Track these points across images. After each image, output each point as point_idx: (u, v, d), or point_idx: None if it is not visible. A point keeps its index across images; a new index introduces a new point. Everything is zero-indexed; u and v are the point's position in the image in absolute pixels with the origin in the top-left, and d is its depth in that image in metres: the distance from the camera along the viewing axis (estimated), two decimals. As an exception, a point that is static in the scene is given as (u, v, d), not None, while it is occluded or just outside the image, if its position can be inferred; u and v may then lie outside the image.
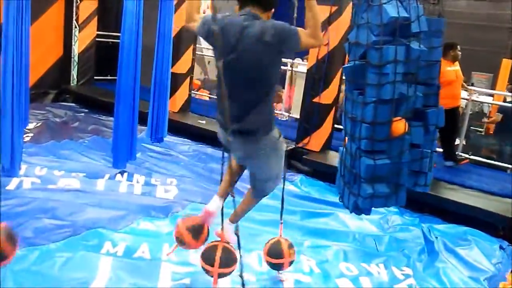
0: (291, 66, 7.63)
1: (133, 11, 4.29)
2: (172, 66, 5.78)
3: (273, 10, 2.57)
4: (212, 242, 2.81)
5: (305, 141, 5.62)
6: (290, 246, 3.03)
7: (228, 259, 2.73)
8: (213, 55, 2.60)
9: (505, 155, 6.67)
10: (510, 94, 7.13)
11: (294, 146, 5.69)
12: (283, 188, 3.12)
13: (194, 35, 6.69)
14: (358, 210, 2.88)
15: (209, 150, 5.75)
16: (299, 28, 2.42)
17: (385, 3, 2.55)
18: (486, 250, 3.80)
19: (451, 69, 5.15)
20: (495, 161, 5.98)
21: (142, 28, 4.44)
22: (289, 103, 7.98)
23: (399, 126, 2.63)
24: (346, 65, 2.83)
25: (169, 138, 5.78)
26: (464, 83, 5.93)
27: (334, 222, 4.09)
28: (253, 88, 2.47)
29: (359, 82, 2.70)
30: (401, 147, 2.68)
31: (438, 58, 2.92)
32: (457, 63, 5.26)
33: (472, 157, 5.90)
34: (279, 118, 7.46)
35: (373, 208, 4.04)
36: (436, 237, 3.93)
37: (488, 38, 13.40)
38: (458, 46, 5.24)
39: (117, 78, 4.42)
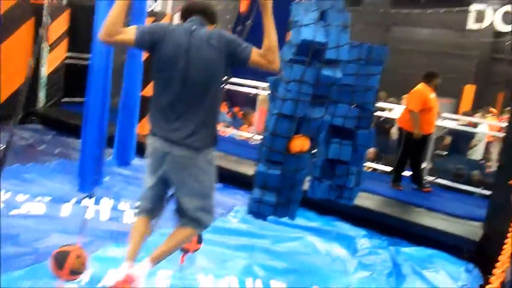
0: (263, 89, 7.72)
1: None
2: (142, 89, 5.78)
3: (214, 25, 2.53)
4: None
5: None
6: None
7: None
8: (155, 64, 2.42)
9: (465, 177, 6.88)
10: (468, 118, 7.38)
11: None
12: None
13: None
14: (253, 213, 2.97)
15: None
16: (252, 46, 2.37)
17: (305, 25, 2.64)
18: (452, 273, 3.87)
19: (433, 97, 5.34)
20: (458, 183, 6.15)
21: (112, 50, 4.42)
22: (261, 127, 8.04)
23: (297, 143, 2.72)
24: (270, 77, 2.92)
25: (139, 161, 5.70)
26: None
27: (305, 245, 4.09)
28: (203, 96, 2.37)
29: (275, 95, 2.81)
30: (297, 164, 2.77)
31: (375, 84, 3.07)
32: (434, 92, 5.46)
33: (437, 180, 6.06)
34: (250, 142, 7.49)
35: (340, 232, 4.14)
36: (404, 260, 3.98)
37: (452, 65, 13.93)
38: (437, 77, 5.45)
39: (85, 100, 4.37)
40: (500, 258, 2.43)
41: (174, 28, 2.40)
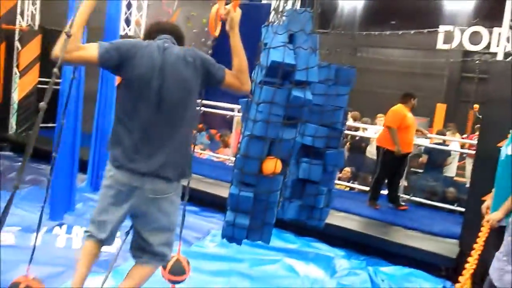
0: (238, 111, 7.73)
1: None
2: (116, 113, 5.70)
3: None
4: None
5: (252, 186, 5.61)
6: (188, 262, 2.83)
7: None
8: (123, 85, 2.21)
9: (439, 194, 6.99)
10: (440, 136, 7.51)
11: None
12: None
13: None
14: (227, 237, 2.94)
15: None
16: (225, 68, 2.28)
17: (274, 48, 2.67)
18: (430, 291, 3.88)
19: (410, 116, 5.47)
20: (433, 201, 6.22)
21: (84, 74, 4.37)
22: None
23: (269, 165, 2.71)
24: (242, 99, 2.93)
25: (113, 187, 5.60)
26: (422, 130, 6.28)
27: (283, 268, 4.04)
28: (180, 119, 2.17)
29: (246, 116, 2.81)
30: (270, 186, 2.77)
31: (343, 105, 3.11)
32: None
33: (413, 198, 6.12)
34: (227, 164, 7.44)
35: (318, 253, 4.11)
36: (383, 280, 3.97)
37: (424, 84, 14.30)
38: (415, 97, 5.60)
39: (56, 126, 4.28)
40: (464, 271, 2.44)
41: (146, 45, 2.17)
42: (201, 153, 8.49)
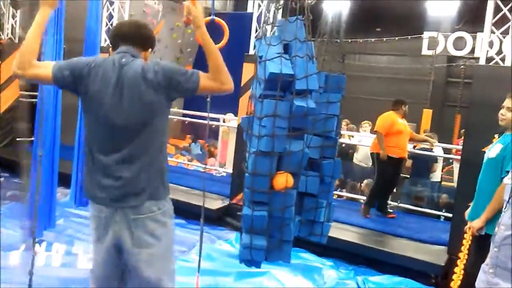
0: (223, 121, 7.67)
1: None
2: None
3: (150, 50, 2.20)
4: None
5: (239, 197, 5.54)
6: None
7: None
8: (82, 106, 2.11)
9: (428, 200, 6.97)
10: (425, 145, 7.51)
11: (228, 202, 5.59)
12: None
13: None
14: (245, 261, 2.85)
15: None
16: (199, 71, 2.08)
17: (269, 60, 2.62)
18: (420, 300, 3.82)
19: (402, 122, 5.51)
20: (420, 207, 6.21)
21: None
22: (224, 159, 7.94)
23: (280, 180, 2.64)
24: (244, 117, 2.87)
25: (96, 201, 5.48)
26: (429, 139, 6.27)
27: (270, 280, 3.96)
28: (134, 140, 2.01)
29: (249, 133, 2.75)
30: (283, 202, 2.69)
31: (336, 112, 3.05)
32: (404, 119, 5.62)
33: (401, 205, 6.09)
34: (214, 174, 7.37)
35: (306, 264, 4.02)
36: (372, 290, 3.91)
37: (410, 90, 14.37)
38: (406, 104, 5.64)
39: (34, 140, 4.18)
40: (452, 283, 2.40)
41: (101, 62, 2.04)
42: (188, 164, 8.41)
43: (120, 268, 2.16)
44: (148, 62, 2.07)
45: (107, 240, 2.08)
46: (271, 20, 2.99)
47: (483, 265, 1.81)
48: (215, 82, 2.06)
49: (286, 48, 2.80)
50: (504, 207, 1.75)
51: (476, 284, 1.81)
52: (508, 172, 1.77)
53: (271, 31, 2.85)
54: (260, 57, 2.74)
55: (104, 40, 6.37)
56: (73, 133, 5.12)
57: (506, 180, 1.78)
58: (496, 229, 1.76)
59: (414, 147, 6.94)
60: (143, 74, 2.00)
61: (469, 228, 3.00)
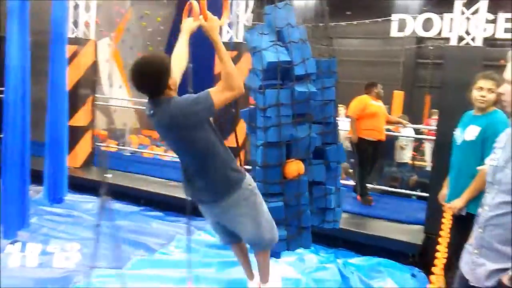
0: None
1: (17, 64, 3.97)
2: (70, 119, 5.47)
3: (169, 82, 2.30)
4: None
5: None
6: None
7: None
8: None
9: (400, 180, 7.09)
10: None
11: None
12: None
13: (93, 86, 6.44)
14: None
15: (117, 205, 5.39)
16: (211, 89, 2.27)
17: (265, 49, 2.58)
18: (399, 279, 3.89)
19: (375, 104, 5.49)
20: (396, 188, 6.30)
21: (29, 81, 4.12)
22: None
23: (292, 168, 2.63)
24: (243, 109, 2.82)
25: (71, 197, 5.36)
26: (401, 120, 6.32)
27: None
28: (194, 159, 2.42)
29: (253, 126, 2.71)
30: (297, 189, 2.68)
31: (332, 97, 3.01)
32: (380, 100, 5.60)
33: (377, 186, 6.17)
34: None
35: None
36: (352, 272, 3.95)
37: (381, 72, 14.50)
38: (380, 85, 5.61)
39: (3, 137, 4.03)
40: (433, 269, 2.44)
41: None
42: (162, 156, 8.30)
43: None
44: (169, 110, 2.27)
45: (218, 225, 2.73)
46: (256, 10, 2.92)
47: (467, 246, 1.84)
48: (228, 91, 2.24)
49: (279, 35, 2.76)
50: (486, 187, 1.77)
51: (460, 265, 1.84)
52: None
53: (252, 20, 2.80)
54: (254, 47, 2.68)
55: (72, 31, 6.16)
56: (43, 129, 4.98)
57: (488, 161, 1.80)
58: (480, 209, 1.78)
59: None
60: (168, 123, 2.30)
61: (450, 208, 3.04)
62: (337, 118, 3.12)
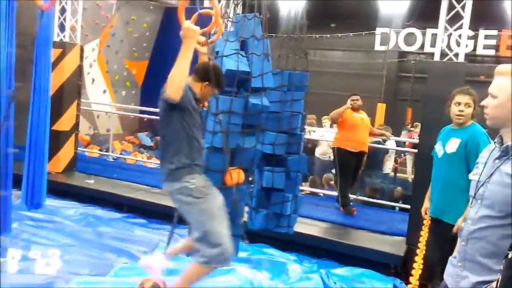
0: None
1: (2, 67, 3.91)
2: (53, 123, 5.41)
3: (207, 83, 2.59)
4: None
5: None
6: None
7: None
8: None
9: (382, 192, 7.18)
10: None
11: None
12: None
13: (77, 90, 6.38)
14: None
15: (99, 211, 5.34)
16: None
17: (226, 56, 2.63)
18: (381, 290, 3.93)
19: (356, 115, 5.51)
20: (376, 198, 6.37)
21: (13, 84, 4.07)
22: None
23: (233, 176, 2.68)
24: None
25: (52, 202, 5.28)
26: (384, 133, 6.38)
27: (236, 278, 3.94)
28: (162, 139, 2.73)
29: (203, 128, 2.75)
30: (234, 197, 2.73)
31: (300, 109, 3.10)
32: (362, 111, 5.63)
33: (360, 197, 6.23)
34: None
35: (271, 259, 4.04)
36: (335, 282, 3.98)
37: (364, 85, 14.72)
38: (358, 96, 5.60)
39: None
40: (410, 279, 2.49)
41: None
42: (146, 162, 8.24)
43: None
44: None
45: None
46: (231, 15, 2.98)
47: (451, 258, 1.88)
48: (166, 90, 2.45)
49: (243, 45, 2.80)
50: (470, 202, 1.82)
51: (445, 276, 1.88)
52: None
53: (227, 27, 2.85)
54: (217, 52, 2.72)
55: (57, 35, 6.11)
56: (24, 133, 4.91)
57: (471, 176, 1.85)
58: (463, 224, 1.83)
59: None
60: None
61: (457, 228, 2.86)
62: (306, 129, 3.23)
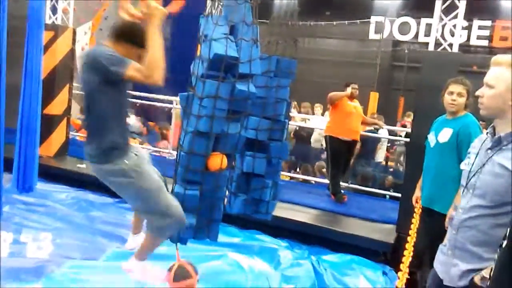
0: (176, 104, 7.52)
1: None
2: (45, 107, 5.36)
3: (131, 44, 2.48)
4: None
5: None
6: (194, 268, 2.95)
7: None
8: None
9: (374, 180, 7.24)
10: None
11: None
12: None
13: (69, 74, 6.31)
14: (172, 239, 2.91)
15: (91, 196, 5.32)
16: (133, 62, 2.36)
17: (215, 40, 2.61)
18: (371, 276, 3.98)
19: (351, 103, 5.51)
20: (369, 187, 6.42)
21: (4, 67, 4.02)
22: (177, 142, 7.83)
23: (216, 161, 2.69)
24: (181, 93, 2.84)
25: (43, 186, 5.26)
26: (377, 121, 6.38)
27: (227, 263, 3.97)
28: (88, 115, 2.55)
29: (188, 111, 2.74)
30: (216, 182, 2.75)
31: (285, 96, 3.09)
32: (356, 100, 5.62)
33: (351, 185, 6.28)
34: (167, 157, 7.25)
35: (262, 245, 4.08)
36: (325, 269, 4.02)
37: (358, 73, 14.71)
38: (355, 85, 5.59)
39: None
40: (401, 266, 2.52)
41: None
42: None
43: None
44: (91, 49, 2.54)
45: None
46: None
47: (441, 246, 1.91)
48: (140, 74, 2.31)
49: (232, 30, 2.78)
50: (461, 191, 1.84)
51: (434, 264, 1.91)
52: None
53: (217, 10, 2.81)
54: (206, 35, 2.70)
55: (49, 17, 6.02)
56: (15, 116, 4.87)
57: (462, 165, 1.87)
58: (454, 212, 1.86)
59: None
60: (86, 59, 2.45)
61: (448, 218, 2.95)
62: (289, 116, 3.24)
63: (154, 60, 2.30)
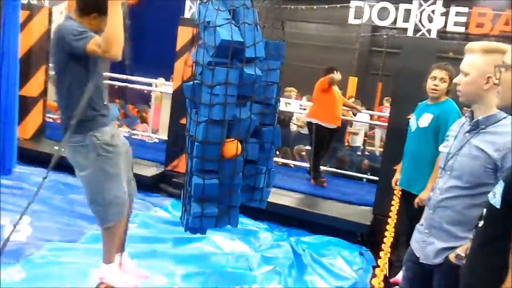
0: (156, 86, 7.46)
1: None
2: (20, 89, 5.23)
3: (95, 14, 2.50)
4: None
5: (175, 163, 5.49)
6: None
7: None
8: None
9: (351, 163, 7.36)
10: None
11: (163, 169, 5.52)
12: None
13: (45, 55, 6.16)
14: (192, 229, 2.92)
15: (70, 179, 5.24)
16: (95, 36, 2.38)
17: (219, 26, 2.60)
18: (348, 257, 4.09)
19: (335, 89, 5.54)
20: (347, 171, 6.53)
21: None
22: (157, 125, 7.78)
23: (231, 147, 2.70)
24: (186, 83, 2.83)
25: (20, 169, 5.17)
26: (355, 106, 6.43)
27: (208, 245, 4.02)
28: (59, 90, 2.60)
29: (196, 101, 2.72)
30: (233, 168, 2.76)
31: (275, 79, 3.09)
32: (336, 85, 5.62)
33: (330, 169, 6.37)
34: (146, 140, 7.20)
35: (243, 228, 4.11)
36: (304, 250, 4.10)
37: (336, 58, 14.76)
38: (338, 71, 5.59)
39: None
40: (383, 247, 2.59)
41: None
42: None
43: None
44: (59, 24, 2.51)
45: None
46: None
47: (417, 226, 1.98)
48: (97, 48, 2.34)
49: (233, 14, 2.76)
50: (439, 173, 1.91)
51: (411, 242, 1.98)
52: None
53: None
54: (208, 22, 2.67)
55: (24, -4, 5.84)
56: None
57: (441, 148, 1.94)
58: (431, 193, 1.92)
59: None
60: (54, 34, 2.56)
61: (420, 200, 3.03)
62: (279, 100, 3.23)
63: (113, 35, 2.29)
